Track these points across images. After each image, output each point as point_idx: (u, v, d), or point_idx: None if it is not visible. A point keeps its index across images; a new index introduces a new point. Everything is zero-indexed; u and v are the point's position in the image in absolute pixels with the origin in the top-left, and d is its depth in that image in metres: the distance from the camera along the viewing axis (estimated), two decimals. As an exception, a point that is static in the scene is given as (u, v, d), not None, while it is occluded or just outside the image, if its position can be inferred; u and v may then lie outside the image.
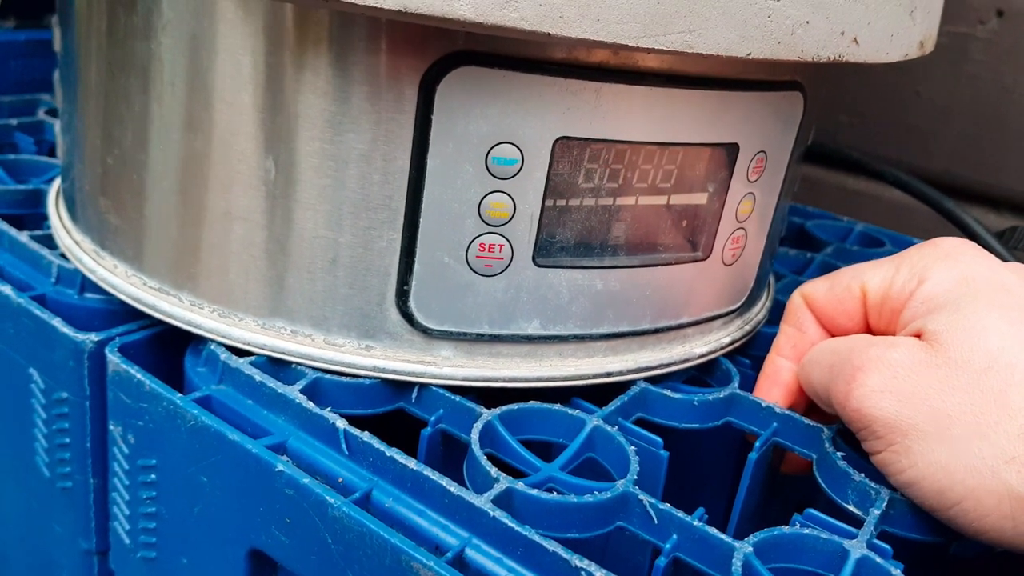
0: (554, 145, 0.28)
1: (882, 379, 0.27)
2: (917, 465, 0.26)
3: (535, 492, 0.26)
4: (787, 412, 0.32)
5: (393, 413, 0.32)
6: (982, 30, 0.62)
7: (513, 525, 0.25)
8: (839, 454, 0.30)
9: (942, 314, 0.28)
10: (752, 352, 0.38)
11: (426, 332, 0.30)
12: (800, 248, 0.51)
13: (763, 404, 0.33)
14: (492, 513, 0.25)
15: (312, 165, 0.28)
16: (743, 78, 0.30)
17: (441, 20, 0.24)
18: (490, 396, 0.31)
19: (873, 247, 0.52)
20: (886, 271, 0.31)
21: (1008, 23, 0.61)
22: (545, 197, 0.29)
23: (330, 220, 0.29)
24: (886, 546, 0.26)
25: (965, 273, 0.29)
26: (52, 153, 0.51)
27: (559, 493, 0.26)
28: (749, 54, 0.26)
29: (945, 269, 0.30)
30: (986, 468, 0.25)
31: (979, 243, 0.46)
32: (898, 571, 0.25)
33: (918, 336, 0.28)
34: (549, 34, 0.24)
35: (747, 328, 0.37)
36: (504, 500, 0.26)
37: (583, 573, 0.23)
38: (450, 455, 0.31)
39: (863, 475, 0.29)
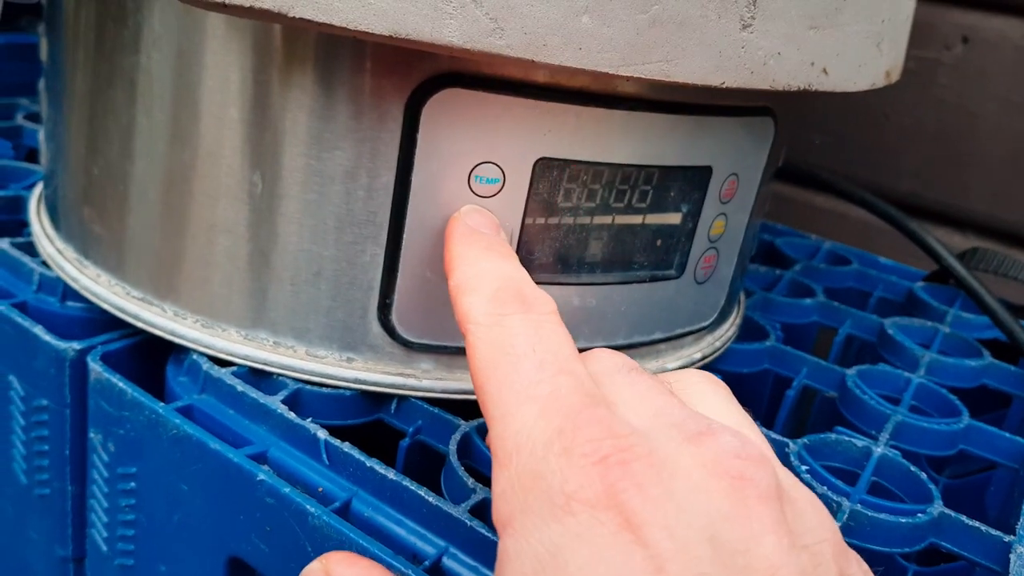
0: (535, 165, 0.29)
1: None
2: None
3: (511, 503, 0.27)
4: (755, 427, 0.33)
5: (372, 423, 0.32)
6: (948, 56, 0.64)
7: (489, 534, 0.25)
8: (803, 467, 0.31)
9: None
10: (722, 367, 0.40)
11: (407, 345, 0.31)
12: (769, 265, 0.52)
13: (732, 418, 0.34)
14: (469, 523, 0.26)
15: (298, 180, 0.29)
16: (717, 104, 0.31)
17: (429, 46, 0.24)
18: (469, 408, 0.32)
19: (840, 265, 0.54)
20: None
21: (973, 50, 0.63)
22: (525, 215, 0.30)
23: (315, 234, 0.30)
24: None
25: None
26: (30, 158, 0.51)
27: (535, 504, 0.27)
28: (723, 83, 0.28)
29: None
30: None
31: (941, 264, 0.48)
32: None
33: None
34: (533, 61, 0.25)
35: (717, 344, 0.38)
36: (481, 510, 0.27)
37: (557, 582, 0.24)
38: (428, 465, 0.31)
39: (826, 487, 0.30)
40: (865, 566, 0.20)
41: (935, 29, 0.63)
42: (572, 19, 0.25)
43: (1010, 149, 0.62)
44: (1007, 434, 0.37)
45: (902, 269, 0.55)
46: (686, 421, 0.20)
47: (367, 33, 0.24)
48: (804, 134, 0.70)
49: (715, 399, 0.23)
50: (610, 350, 0.25)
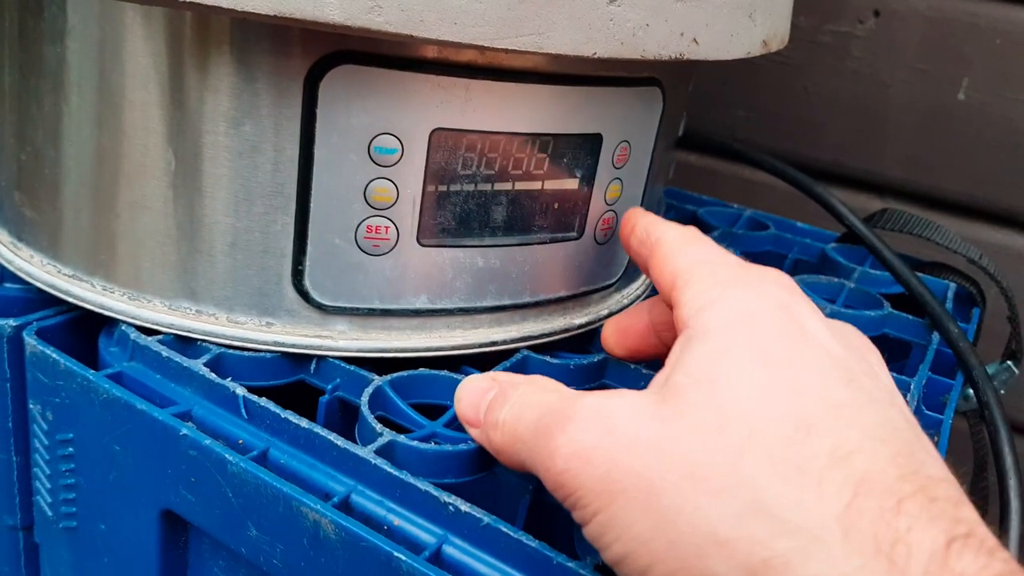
0: (431, 136, 0.32)
1: (594, 434, 0.22)
2: (621, 539, 0.21)
3: (414, 443, 0.29)
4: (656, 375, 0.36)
5: (294, 384, 0.34)
6: (861, 29, 0.67)
7: (391, 470, 0.28)
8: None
9: (690, 352, 0.23)
10: (632, 324, 0.42)
11: (321, 308, 0.33)
12: (690, 232, 0.55)
13: (632, 367, 0.36)
14: (374, 461, 0.28)
15: (209, 156, 0.31)
16: (602, 75, 0.34)
17: (312, 23, 0.27)
18: (384, 366, 0.34)
19: (758, 230, 0.57)
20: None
21: (884, 22, 0.66)
22: (425, 183, 0.32)
23: (228, 207, 0.32)
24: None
25: (750, 307, 0.24)
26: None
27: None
28: (595, 54, 0.30)
29: (733, 295, 0.25)
30: (692, 548, 0.20)
31: (843, 223, 0.50)
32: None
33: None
34: (412, 36, 0.27)
35: (625, 302, 0.41)
36: (386, 451, 0.29)
37: (450, 507, 0.27)
38: (347, 421, 0.34)
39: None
40: None
41: (848, 4, 0.66)
42: (447, -3, 0.27)
43: (921, 117, 0.66)
44: (892, 374, 0.40)
45: (817, 232, 0.57)
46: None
47: (252, 14, 0.26)
48: (731, 109, 0.72)
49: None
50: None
